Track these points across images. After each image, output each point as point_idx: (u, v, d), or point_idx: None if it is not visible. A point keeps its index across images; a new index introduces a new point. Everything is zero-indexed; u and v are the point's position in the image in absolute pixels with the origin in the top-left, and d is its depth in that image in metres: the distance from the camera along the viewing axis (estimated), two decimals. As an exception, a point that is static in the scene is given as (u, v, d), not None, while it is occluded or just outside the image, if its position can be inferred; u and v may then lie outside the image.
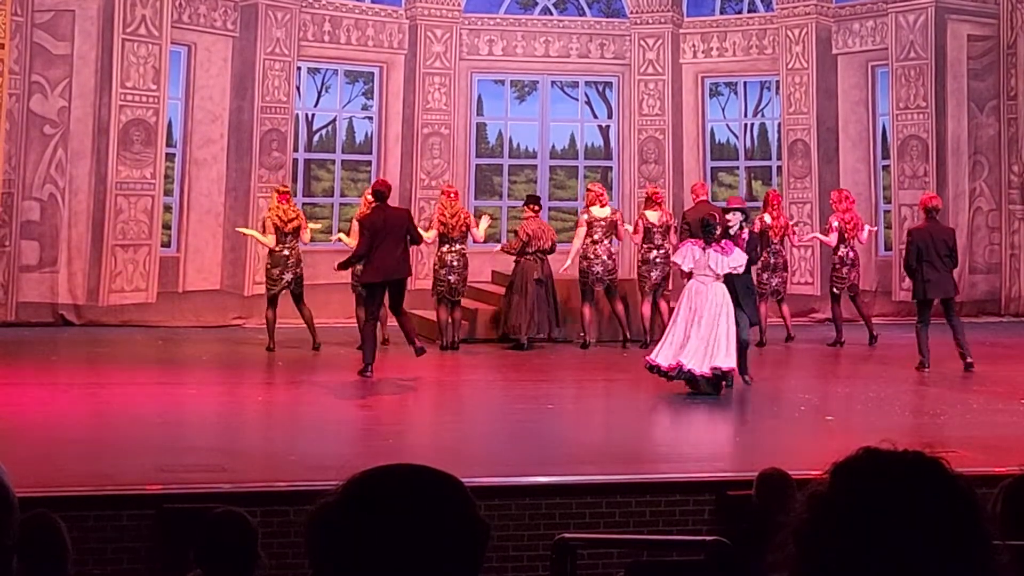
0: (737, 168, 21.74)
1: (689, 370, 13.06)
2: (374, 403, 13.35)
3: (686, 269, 13.58)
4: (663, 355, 13.24)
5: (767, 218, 17.59)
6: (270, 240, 16.37)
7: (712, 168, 21.51)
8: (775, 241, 17.63)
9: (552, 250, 17.11)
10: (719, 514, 9.02)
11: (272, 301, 16.35)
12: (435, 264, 17.10)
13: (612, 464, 10.19)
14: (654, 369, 13.30)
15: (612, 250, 17.46)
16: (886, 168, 20.96)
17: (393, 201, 19.23)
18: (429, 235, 16.78)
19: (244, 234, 17.81)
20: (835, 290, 17.75)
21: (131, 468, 9.58)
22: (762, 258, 17.05)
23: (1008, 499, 4.93)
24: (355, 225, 16.27)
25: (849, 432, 11.39)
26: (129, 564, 8.34)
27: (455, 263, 16.84)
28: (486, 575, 2.28)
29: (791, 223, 18.55)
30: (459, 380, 15.46)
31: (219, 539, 5.68)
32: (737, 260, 13.48)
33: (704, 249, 13.39)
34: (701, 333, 13.13)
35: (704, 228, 13.63)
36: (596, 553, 8.55)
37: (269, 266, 16.46)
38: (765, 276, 17.49)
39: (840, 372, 16.33)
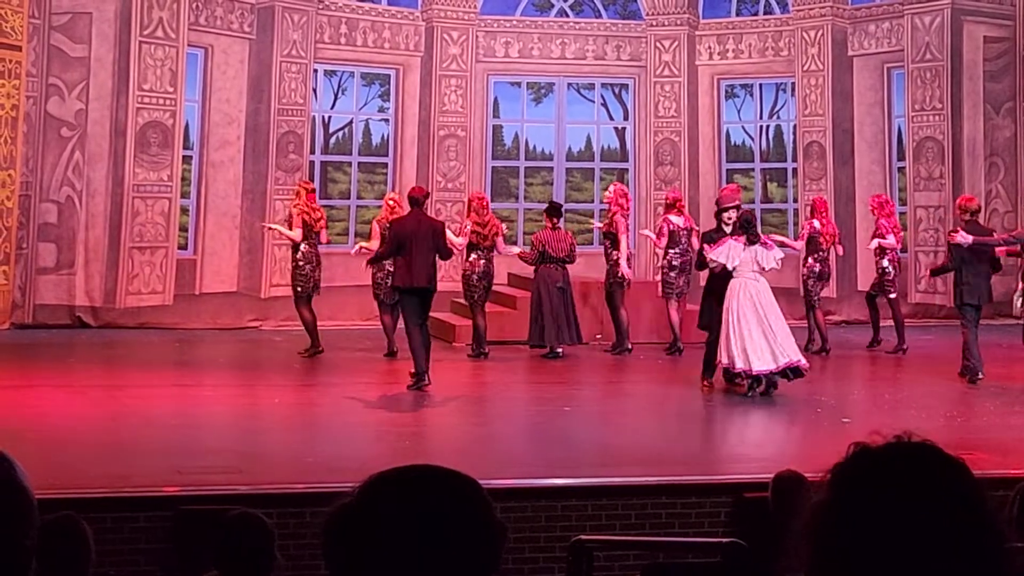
0: (753, 170, 21.69)
1: (758, 372, 13.04)
2: (390, 405, 13.37)
3: (731, 267, 13.28)
4: (739, 359, 13.11)
5: (816, 224, 16.96)
6: (296, 234, 15.96)
7: (727, 170, 21.46)
8: (824, 249, 16.94)
9: (571, 259, 16.74)
10: (735, 516, 9.01)
11: (307, 300, 15.96)
12: (466, 271, 16.67)
13: (628, 466, 10.18)
14: (732, 374, 13.27)
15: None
16: (901, 170, 20.89)
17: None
18: (459, 240, 16.33)
19: (270, 229, 17.40)
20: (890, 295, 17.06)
21: (148, 470, 9.62)
22: (807, 265, 16.87)
23: (1024, 501, 4.91)
24: (375, 227, 16.16)
25: (865, 435, 11.36)
26: (146, 565, 8.36)
27: (490, 270, 16.62)
28: (502, 577, 2.28)
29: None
30: (475, 382, 15.44)
31: (236, 541, 5.70)
32: (779, 255, 13.49)
33: (747, 246, 13.33)
34: (765, 330, 13.09)
35: (744, 225, 13.54)
36: (612, 555, 8.56)
37: (301, 263, 15.98)
38: (810, 283, 16.85)
39: (858, 374, 16.28)
